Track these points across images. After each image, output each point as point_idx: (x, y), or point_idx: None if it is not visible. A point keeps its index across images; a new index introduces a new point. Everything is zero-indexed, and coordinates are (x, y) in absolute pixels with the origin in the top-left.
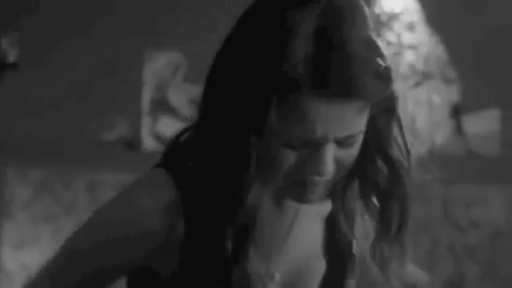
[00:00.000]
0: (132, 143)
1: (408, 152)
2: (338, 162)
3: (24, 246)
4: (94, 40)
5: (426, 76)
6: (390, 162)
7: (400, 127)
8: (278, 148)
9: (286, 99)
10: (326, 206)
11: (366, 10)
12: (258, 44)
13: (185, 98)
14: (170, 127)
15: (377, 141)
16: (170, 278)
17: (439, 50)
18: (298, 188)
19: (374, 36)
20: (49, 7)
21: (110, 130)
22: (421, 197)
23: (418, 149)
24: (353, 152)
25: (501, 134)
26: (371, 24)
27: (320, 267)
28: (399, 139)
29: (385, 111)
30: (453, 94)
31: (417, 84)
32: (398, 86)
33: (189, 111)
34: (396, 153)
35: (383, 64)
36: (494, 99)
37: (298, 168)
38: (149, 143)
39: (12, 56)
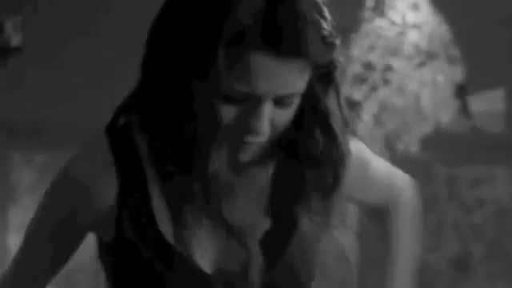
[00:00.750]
0: None
1: (344, 119)
2: (273, 122)
3: None
4: (107, 28)
5: (430, 56)
6: (325, 127)
7: (337, 95)
8: (218, 103)
9: (234, 51)
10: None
11: None
12: (213, 6)
13: None
14: None
15: (313, 107)
16: (112, 244)
17: (443, 30)
18: (235, 147)
19: (322, 2)
20: None
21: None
22: (426, 176)
23: (422, 128)
24: (288, 114)
25: (506, 113)
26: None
27: (263, 224)
28: (335, 106)
29: (324, 77)
30: (457, 73)
31: (421, 64)
32: (402, 65)
33: None
34: (332, 120)
35: (328, 28)
36: (498, 79)
37: (236, 125)
38: None
39: (16, 40)
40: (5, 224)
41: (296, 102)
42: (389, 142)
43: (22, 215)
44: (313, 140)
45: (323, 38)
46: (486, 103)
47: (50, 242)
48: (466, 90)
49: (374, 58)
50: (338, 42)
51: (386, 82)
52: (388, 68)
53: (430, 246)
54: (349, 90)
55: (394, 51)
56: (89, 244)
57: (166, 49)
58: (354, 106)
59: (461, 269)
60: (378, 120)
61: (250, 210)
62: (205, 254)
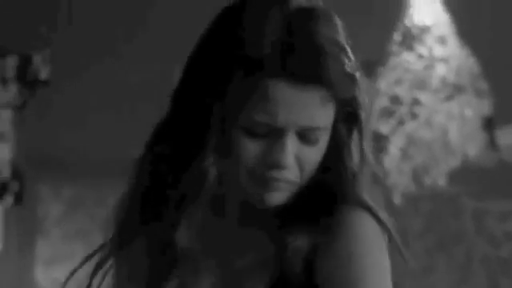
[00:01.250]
0: None
1: (364, 161)
2: (299, 159)
3: (57, 263)
4: (126, 57)
5: (457, 89)
6: (344, 169)
7: (361, 135)
8: (240, 137)
9: (253, 79)
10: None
11: (338, 19)
12: (233, 26)
13: None
14: None
15: (337, 147)
16: None
17: (470, 63)
18: (260, 185)
19: (345, 42)
20: (81, 24)
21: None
22: (453, 210)
23: (450, 162)
24: (315, 152)
25: None
26: (343, 31)
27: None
28: (358, 147)
29: (348, 117)
30: (485, 106)
31: (448, 97)
32: (429, 99)
33: None
34: (349, 159)
35: (348, 61)
36: None
37: (259, 161)
38: None
39: (44, 73)
40: (32, 257)
41: (323, 141)
42: (416, 176)
43: (49, 248)
44: (329, 179)
45: (342, 68)
46: None
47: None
48: (494, 123)
49: (402, 91)
50: (358, 75)
51: (414, 115)
52: (415, 102)
53: (458, 280)
54: (376, 123)
55: (421, 85)
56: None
57: (193, 81)
58: (381, 139)
59: None
60: (405, 154)
61: (250, 262)
62: None
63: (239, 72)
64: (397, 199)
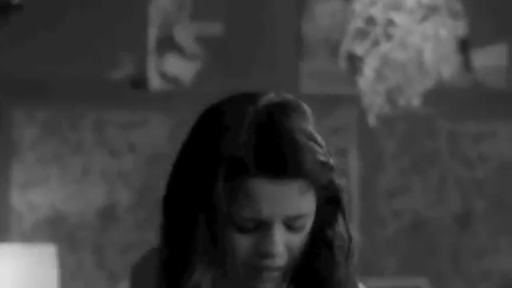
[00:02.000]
0: (138, 82)
1: (350, 241)
2: (288, 246)
3: (32, 186)
4: None
5: (432, 10)
6: (330, 248)
7: (343, 217)
8: (231, 233)
9: (234, 182)
10: None
11: (306, 107)
12: (209, 133)
13: (191, 35)
14: (176, 65)
15: (321, 229)
16: None
17: None
18: (255, 275)
19: (314, 130)
20: None
21: (116, 69)
22: (428, 132)
23: (424, 83)
24: (302, 237)
25: (508, 68)
26: (311, 119)
27: None
28: (342, 228)
29: (330, 201)
30: (460, 27)
31: (423, 18)
32: (404, 20)
33: (195, 49)
34: (338, 241)
35: (321, 150)
36: (501, 33)
37: (251, 253)
38: (155, 82)
39: None
40: (7, 181)
41: (308, 226)
42: (391, 97)
43: (24, 172)
44: (319, 263)
45: (315, 157)
46: (489, 58)
47: None
48: (469, 44)
49: (376, 12)
50: (331, 161)
51: (388, 36)
52: (390, 23)
53: (432, 202)
54: (351, 44)
55: (396, 5)
56: (91, 201)
57: (177, 189)
58: (355, 60)
59: (463, 224)
60: (379, 74)
61: None
62: None
63: (221, 176)
64: (372, 120)
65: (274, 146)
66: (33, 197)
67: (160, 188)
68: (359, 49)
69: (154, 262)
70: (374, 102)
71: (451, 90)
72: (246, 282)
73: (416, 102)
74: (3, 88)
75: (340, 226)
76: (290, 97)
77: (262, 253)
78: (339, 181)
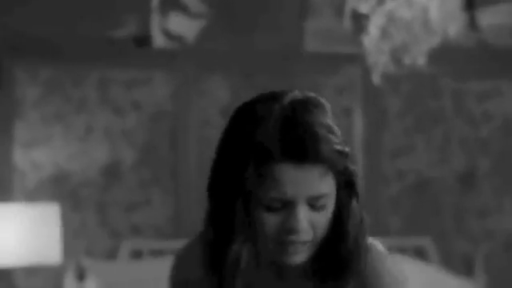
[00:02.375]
0: (142, 40)
1: (362, 224)
2: (312, 224)
3: (35, 145)
4: None
5: None
6: (344, 226)
7: (357, 200)
8: (261, 213)
9: (262, 168)
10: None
11: (326, 103)
12: (241, 128)
13: None
14: (179, 24)
15: (338, 209)
16: None
17: None
18: (282, 249)
19: (332, 123)
20: None
21: (120, 28)
22: (432, 90)
23: (430, 41)
24: (324, 216)
25: None
26: (329, 113)
27: None
28: (356, 210)
29: (346, 185)
30: None
31: None
32: None
33: (199, 7)
34: (352, 220)
35: (338, 141)
36: None
37: (279, 229)
38: (159, 40)
39: None
40: (10, 140)
41: (330, 206)
42: (396, 55)
43: (27, 130)
44: (336, 240)
45: (332, 147)
46: (495, 16)
47: None
48: (475, 3)
49: None
50: (347, 150)
51: None
52: None
53: (436, 161)
54: (356, 2)
55: None
56: (95, 159)
57: (218, 178)
58: (361, 18)
59: (467, 183)
60: (385, 33)
61: None
62: None
63: (252, 163)
64: (376, 79)
65: (297, 137)
66: (36, 156)
67: (163, 146)
68: (364, 7)
69: (196, 249)
70: (379, 60)
71: (456, 49)
72: (275, 257)
73: (421, 60)
74: (6, 47)
75: (354, 208)
76: (312, 94)
77: (288, 229)
78: (353, 167)
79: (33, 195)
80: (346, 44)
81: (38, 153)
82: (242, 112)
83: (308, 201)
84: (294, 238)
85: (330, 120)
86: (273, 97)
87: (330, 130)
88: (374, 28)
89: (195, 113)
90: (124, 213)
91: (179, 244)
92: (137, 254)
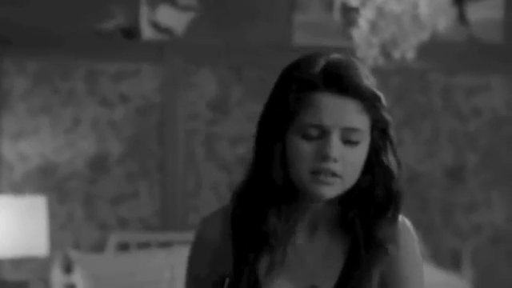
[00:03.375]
0: (130, 32)
1: (399, 166)
2: (344, 158)
3: (23, 137)
4: None
5: None
6: (385, 171)
7: (392, 145)
8: (298, 141)
9: (303, 94)
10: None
11: (363, 67)
12: (287, 71)
13: None
14: (168, 16)
15: (375, 154)
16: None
17: None
18: (315, 179)
19: (370, 79)
20: None
21: (108, 20)
22: (421, 85)
23: (419, 36)
24: (357, 154)
25: (503, 21)
26: (367, 73)
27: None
28: (391, 154)
29: (381, 132)
30: None
31: None
32: None
33: (188, 0)
34: (388, 163)
35: (377, 89)
36: None
37: (313, 157)
38: (147, 32)
39: None
40: None
41: (363, 145)
42: (385, 49)
43: (14, 122)
44: (373, 183)
45: (372, 89)
46: (484, 11)
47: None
48: None
49: None
50: (384, 101)
51: None
52: None
53: (424, 155)
54: None
55: None
56: (82, 151)
57: (265, 112)
58: (350, 11)
59: (455, 177)
60: (374, 26)
61: (321, 275)
62: None
63: (293, 90)
64: None
65: (340, 71)
66: (23, 147)
67: (151, 139)
68: (354, 0)
69: (220, 216)
70: (369, 54)
71: (445, 44)
72: (308, 189)
73: (410, 54)
74: None
75: (389, 152)
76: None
77: (322, 155)
78: (389, 117)
79: (20, 187)
80: (335, 37)
81: (25, 145)
82: (288, 65)
83: (342, 133)
84: (326, 165)
85: (371, 76)
86: (319, 52)
87: (371, 79)
88: (363, 22)
89: (183, 106)
90: (111, 205)
91: (166, 237)
92: (124, 247)
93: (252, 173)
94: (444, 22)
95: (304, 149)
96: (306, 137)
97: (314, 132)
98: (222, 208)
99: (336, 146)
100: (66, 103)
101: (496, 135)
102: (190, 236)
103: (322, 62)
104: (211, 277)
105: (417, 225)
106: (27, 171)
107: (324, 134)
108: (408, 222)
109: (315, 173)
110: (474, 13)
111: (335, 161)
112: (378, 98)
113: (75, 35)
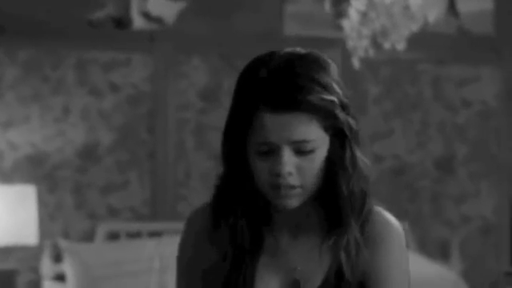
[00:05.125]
0: (121, 21)
1: (358, 174)
2: (299, 169)
3: (13, 125)
4: None
5: None
6: (336, 180)
7: (350, 146)
8: (254, 159)
9: (251, 115)
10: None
11: (329, 62)
12: (241, 86)
13: None
14: (159, 5)
15: (335, 157)
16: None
17: None
18: (275, 193)
19: (329, 78)
20: None
21: (99, 9)
22: (411, 76)
23: (410, 27)
24: (313, 161)
25: (493, 13)
26: (331, 71)
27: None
28: (349, 155)
29: (338, 136)
30: None
31: None
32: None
33: None
34: (348, 164)
35: (323, 91)
36: None
37: (269, 173)
38: (138, 22)
39: None
40: None
41: (319, 152)
42: (375, 40)
43: (4, 111)
44: (335, 183)
45: (315, 95)
46: (474, 3)
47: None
48: None
49: None
50: (336, 100)
51: None
52: None
53: (414, 146)
54: None
55: None
56: (72, 141)
57: (227, 121)
58: (341, 2)
59: (444, 168)
60: (365, 17)
61: (307, 266)
62: None
63: (243, 110)
64: (356, 63)
65: (278, 86)
66: (13, 136)
67: (141, 128)
68: None
69: (206, 212)
70: (359, 44)
71: (435, 35)
72: (272, 201)
73: (401, 45)
74: None
75: (346, 158)
76: (316, 52)
77: (274, 172)
78: (345, 118)
79: (9, 176)
80: (326, 28)
81: (14, 133)
82: (247, 65)
83: (293, 146)
84: (282, 181)
85: (325, 75)
86: (273, 51)
87: (318, 82)
88: (354, 12)
89: (173, 95)
90: (101, 194)
91: (156, 226)
92: (113, 236)
93: (224, 175)
94: (434, 13)
95: (260, 166)
96: (260, 153)
97: (264, 149)
98: (207, 203)
99: (288, 160)
100: (57, 92)
101: (485, 126)
102: (179, 225)
103: (262, 74)
104: (202, 265)
105: (406, 215)
106: (17, 160)
107: (274, 150)
108: (393, 219)
109: (274, 188)
110: (465, 4)
111: (290, 175)
112: (329, 104)
113: (66, 24)
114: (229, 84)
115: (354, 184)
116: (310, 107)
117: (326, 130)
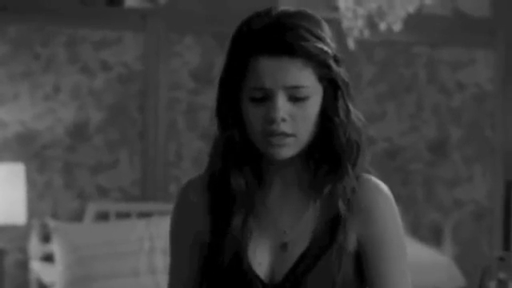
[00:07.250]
0: None
1: (352, 123)
2: (292, 116)
3: (2, 103)
4: None
5: None
6: (331, 128)
7: (343, 96)
8: (247, 106)
9: (246, 61)
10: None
11: (320, 20)
12: (236, 36)
13: None
14: None
15: (329, 109)
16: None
17: None
18: (268, 141)
19: (320, 32)
20: None
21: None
22: (406, 57)
23: (406, 8)
24: (307, 108)
25: None
26: (323, 27)
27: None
28: (344, 111)
29: (332, 86)
30: None
31: None
32: None
33: None
34: (341, 114)
35: (316, 41)
36: None
37: (262, 121)
38: None
39: None
40: None
41: (313, 100)
42: (371, 21)
43: None
44: (329, 136)
45: (309, 43)
46: None
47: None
48: None
49: None
50: (330, 51)
51: None
52: None
53: (407, 129)
54: None
55: None
56: (62, 119)
57: (221, 78)
58: None
59: (438, 152)
60: None
61: (293, 235)
62: (262, 263)
63: (238, 56)
64: (351, 44)
65: (274, 32)
66: (2, 114)
67: (132, 107)
68: None
69: (204, 179)
70: (355, 25)
71: (431, 17)
72: (265, 151)
73: (397, 27)
74: None
75: (340, 106)
76: (308, 11)
77: (268, 118)
78: (338, 68)
79: None
80: (321, 8)
81: (3, 111)
82: (239, 24)
83: (287, 92)
84: (275, 127)
85: (320, 30)
86: (269, 7)
87: (312, 33)
88: None
89: (165, 74)
90: (91, 174)
91: (146, 207)
92: (103, 216)
93: (217, 134)
94: None
95: (253, 113)
96: (254, 100)
97: (259, 95)
98: (206, 171)
99: (282, 106)
100: (47, 70)
101: (480, 110)
102: (170, 206)
103: (263, 22)
104: (194, 238)
105: (398, 199)
106: (6, 138)
107: (269, 95)
108: (383, 185)
109: (267, 135)
110: None
111: (283, 121)
112: (321, 52)
113: (57, 1)
114: (222, 64)
115: (350, 133)
116: (304, 53)
117: (319, 79)
